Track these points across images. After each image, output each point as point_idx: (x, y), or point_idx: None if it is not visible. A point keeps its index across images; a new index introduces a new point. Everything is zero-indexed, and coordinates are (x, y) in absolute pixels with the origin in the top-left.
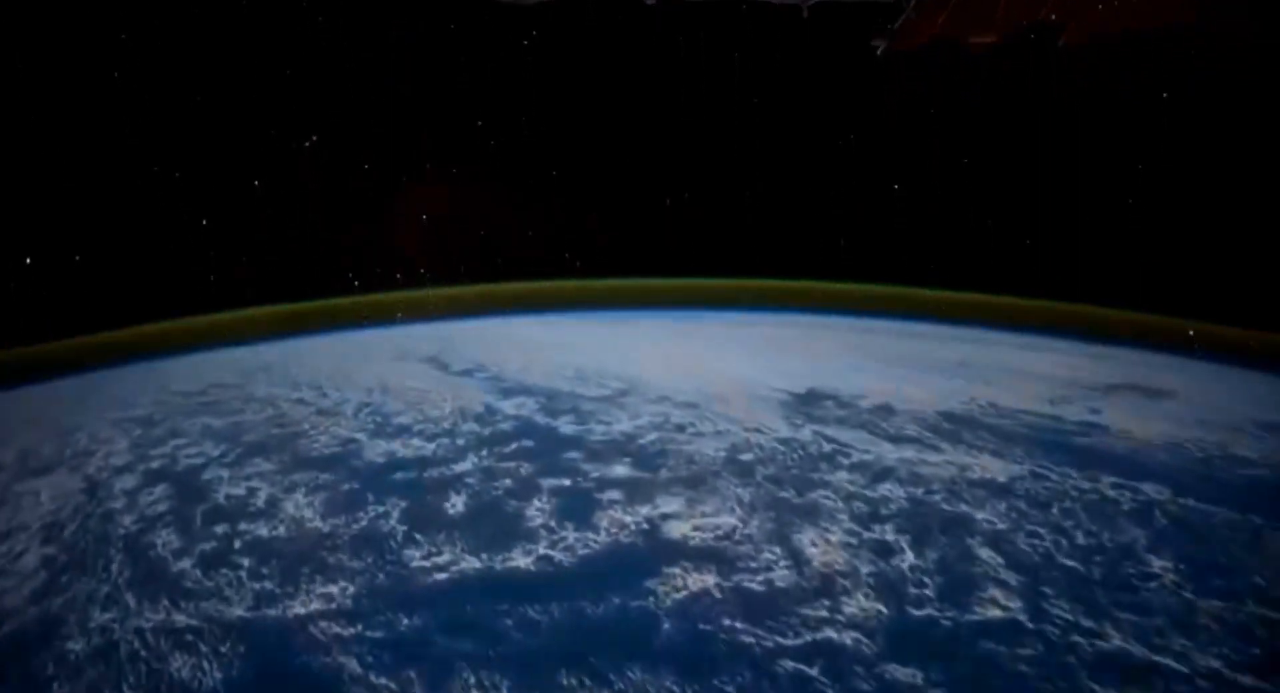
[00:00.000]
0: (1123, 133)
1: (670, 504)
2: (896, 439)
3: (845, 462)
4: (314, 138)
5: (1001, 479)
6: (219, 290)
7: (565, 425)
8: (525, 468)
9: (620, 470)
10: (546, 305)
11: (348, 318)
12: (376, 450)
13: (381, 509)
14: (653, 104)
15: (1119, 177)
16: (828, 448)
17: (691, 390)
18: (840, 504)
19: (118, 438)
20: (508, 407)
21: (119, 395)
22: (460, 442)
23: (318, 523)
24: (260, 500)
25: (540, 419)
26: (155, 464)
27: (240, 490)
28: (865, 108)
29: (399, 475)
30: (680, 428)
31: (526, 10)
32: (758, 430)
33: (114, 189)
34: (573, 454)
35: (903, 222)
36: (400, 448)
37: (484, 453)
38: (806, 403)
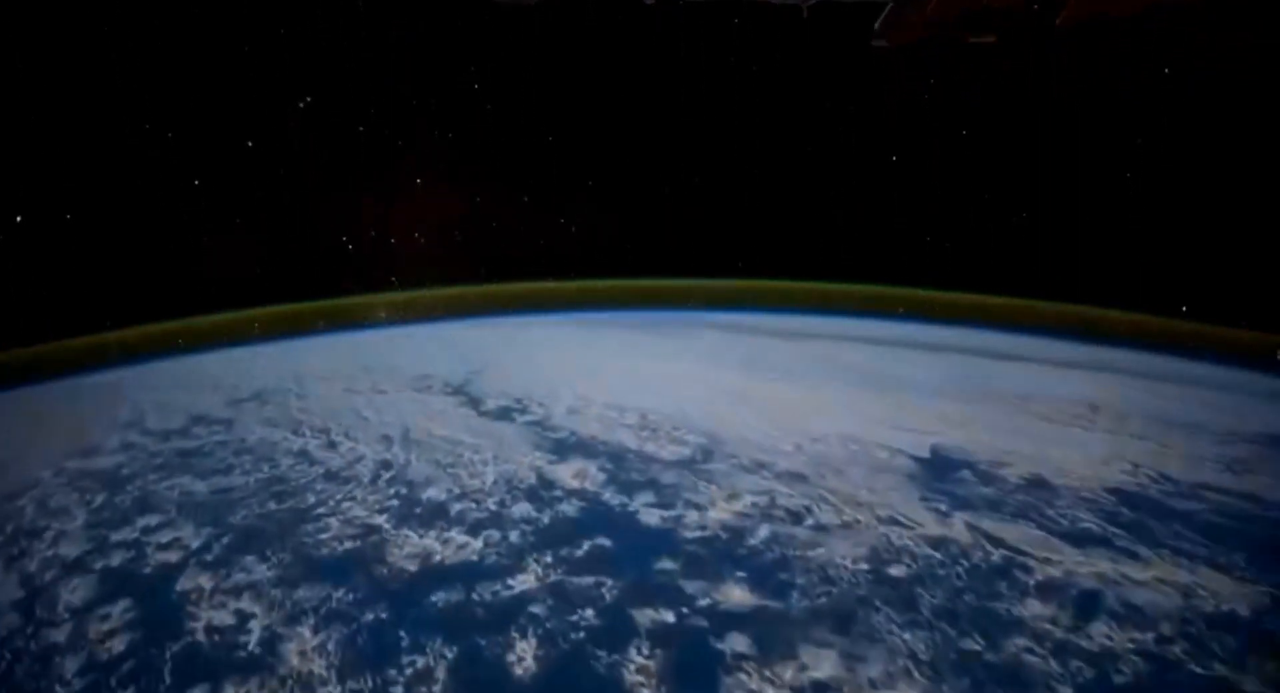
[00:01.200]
0: (1123, 131)
1: (821, 662)
2: (1077, 538)
3: (1029, 580)
4: (308, 98)
5: (1244, 613)
6: (213, 290)
7: (646, 509)
8: (608, 588)
9: (737, 595)
10: (553, 306)
11: (349, 319)
12: (406, 548)
13: (421, 663)
14: (653, 104)
15: (1124, 175)
16: (997, 556)
17: (791, 450)
18: (1052, 663)
19: (73, 509)
20: (566, 474)
21: (85, 430)
22: (514, 536)
23: (333, 689)
24: (253, 638)
25: (611, 498)
26: (116, 560)
27: (227, 617)
28: (865, 107)
29: (439, 597)
30: (795, 517)
31: (526, 10)
32: (895, 522)
33: (93, 188)
34: (667, 564)
35: (903, 221)
36: (437, 545)
37: (548, 558)
38: (939, 474)
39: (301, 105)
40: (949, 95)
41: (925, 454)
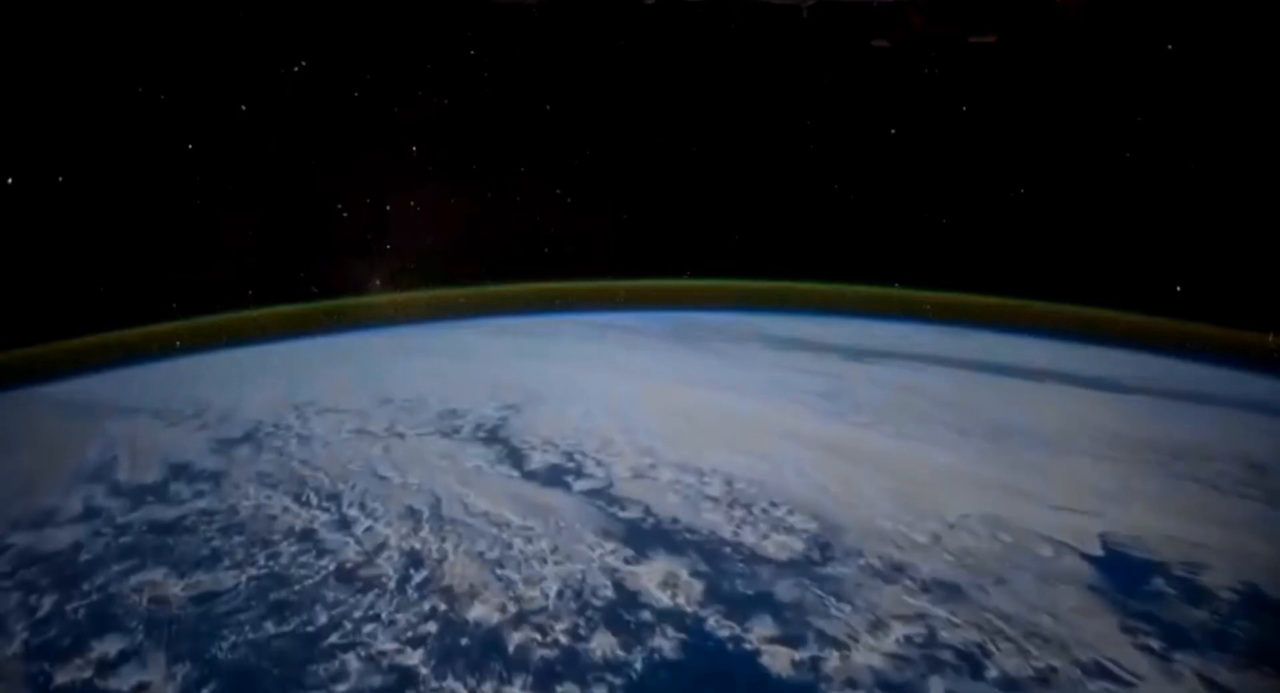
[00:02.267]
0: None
1: None
2: None
3: None
4: (303, 63)
5: None
6: (211, 289)
7: (768, 647)
8: None
9: None
10: (560, 306)
11: (352, 320)
12: None
13: None
14: (652, 104)
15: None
16: None
17: (927, 542)
18: None
19: (11, 622)
20: (650, 583)
21: (44, 477)
22: None
23: None
24: None
25: (718, 625)
26: None
27: None
28: (865, 108)
29: None
30: (970, 663)
31: (526, 10)
32: (1105, 673)
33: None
34: None
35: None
36: None
37: None
38: (1126, 584)
39: (299, 105)
40: (949, 95)
41: (1096, 550)
